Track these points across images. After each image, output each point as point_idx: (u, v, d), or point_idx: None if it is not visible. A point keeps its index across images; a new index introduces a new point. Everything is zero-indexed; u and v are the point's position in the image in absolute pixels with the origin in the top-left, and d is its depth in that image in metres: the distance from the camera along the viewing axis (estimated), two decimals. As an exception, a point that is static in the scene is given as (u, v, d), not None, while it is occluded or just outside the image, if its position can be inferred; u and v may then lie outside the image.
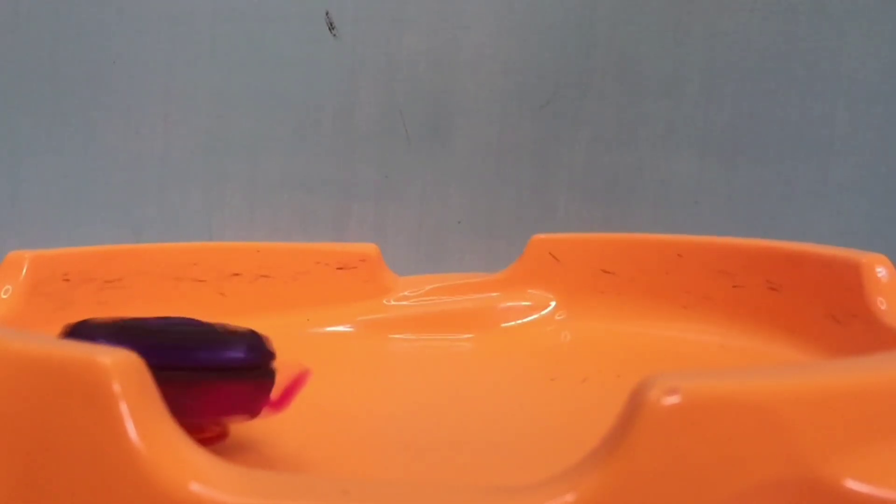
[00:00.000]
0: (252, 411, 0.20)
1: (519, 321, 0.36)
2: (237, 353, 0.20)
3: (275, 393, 0.20)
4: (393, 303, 0.36)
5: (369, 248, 0.36)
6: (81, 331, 0.20)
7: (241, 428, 0.23)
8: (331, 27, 0.46)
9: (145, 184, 0.48)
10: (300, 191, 0.48)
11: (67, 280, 0.29)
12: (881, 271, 0.28)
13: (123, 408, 0.12)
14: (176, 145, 0.48)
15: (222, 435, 0.21)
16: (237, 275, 0.34)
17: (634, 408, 0.12)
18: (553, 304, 0.36)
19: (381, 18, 0.47)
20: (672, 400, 0.12)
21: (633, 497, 0.12)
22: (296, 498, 0.12)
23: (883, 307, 0.27)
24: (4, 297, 0.27)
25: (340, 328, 0.35)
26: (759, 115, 0.46)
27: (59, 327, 0.20)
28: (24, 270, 0.28)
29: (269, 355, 0.20)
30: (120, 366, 0.12)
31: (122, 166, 0.48)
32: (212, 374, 0.19)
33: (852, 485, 0.13)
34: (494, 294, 0.37)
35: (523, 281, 0.37)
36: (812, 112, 0.46)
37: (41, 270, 0.29)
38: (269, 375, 0.20)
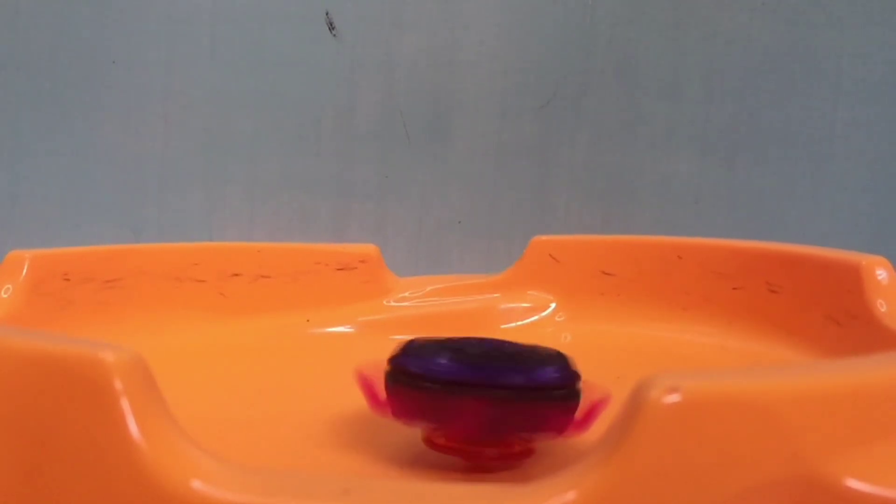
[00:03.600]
0: (559, 430, 0.20)
1: (519, 322, 0.36)
2: (552, 375, 0.20)
3: (579, 413, 0.21)
4: (393, 304, 0.36)
5: (369, 248, 0.36)
6: (411, 349, 0.21)
7: (240, 427, 0.23)
8: (331, 27, 0.46)
9: (145, 184, 0.48)
10: (300, 191, 0.48)
11: (67, 280, 0.29)
12: (881, 273, 0.28)
13: (125, 405, 0.12)
14: (176, 145, 0.48)
15: (529, 452, 0.21)
16: (237, 275, 0.34)
17: (635, 407, 0.12)
18: (553, 305, 0.36)
19: (381, 18, 0.47)
20: (673, 399, 0.12)
21: (635, 495, 0.12)
22: (297, 496, 0.12)
23: (883, 309, 0.27)
24: (5, 296, 0.27)
25: (340, 329, 0.35)
26: (759, 115, 0.46)
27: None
28: (25, 270, 0.28)
29: (577, 376, 0.21)
30: (122, 363, 0.12)
31: (122, 166, 0.48)
32: (528, 393, 0.20)
33: (853, 484, 0.13)
34: (494, 295, 0.37)
35: (523, 282, 0.37)
36: (812, 112, 0.46)
37: (41, 270, 0.29)
38: (576, 396, 0.21)
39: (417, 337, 0.22)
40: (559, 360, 0.21)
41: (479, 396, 0.19)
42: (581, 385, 0.21)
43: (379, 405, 0.21)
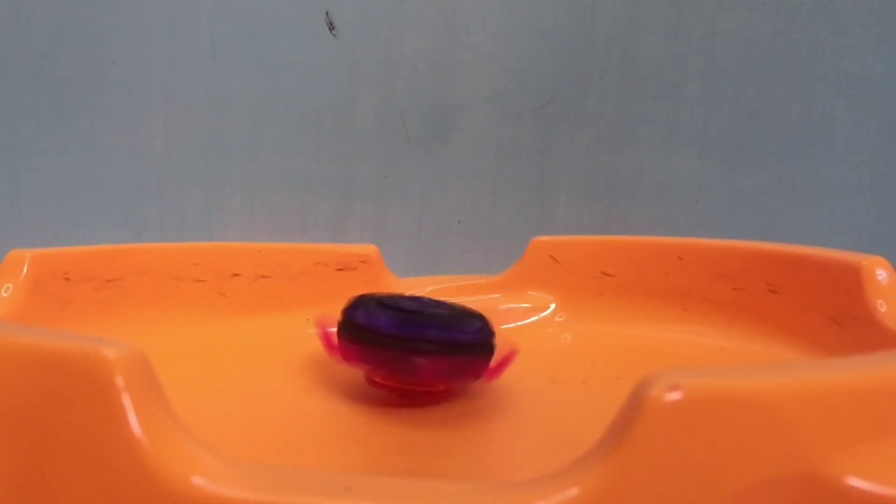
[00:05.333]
0: (476, 376, 0.26)
1: (519, 323, 0.36)
2: (471, 332, 0.25)
3: (493, 362, 0.26)
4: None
5: (369, 249, 0.36)
6: (360, 302, 0.26)
7: (240, 426, 0.23)
8: (331, 27, 0.46)
9: (145, 184, 0.48)
10: (300, 191, 0.48)
11: (68, 279, 0.29)
12: (881, 274, 0.28)
13: (126, 401, 0.12)
14: (176, 145, 0.48)
15: (451, 391, 0.27)
16: (237, 275, 0.34)
17: (637, 404, 0.12)
18: (553, 305, 0.36)
19: (381, 18, 0.47)
20: (674, 397, 0.12)
21: (636, 492, 0.12)
22: (298, 492, 0.12)
23: (883, 310, 0.27)
24: (5, 295, 0.27)
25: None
26: (759, 115, 0.46)
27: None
28: (25, 269, 0.28)
29: (492, 333, 0.26)
30: (123, 359, 0.12)
31: (122, 166, 0.48)
32: (449, 347, 0.25)
33: (853, 482, 0.13)
34: (495, 296, 0.37)
35: (523, 283, 0.37)
36: (812, 112, 0.46)
37: (42, 269, 0.29)
38: (491, 349, 0.26)
39: (367, 293, 0.27)
40: (479, 320, 0.26)
41: (409, 348, 0.24)
42: (495, 340, 0.26)
43: (332, 349, 0.26)
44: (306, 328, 0.34)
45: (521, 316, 0.36)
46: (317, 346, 0.28)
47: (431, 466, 0.21)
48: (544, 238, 0.37)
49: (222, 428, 0.22)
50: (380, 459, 0.21)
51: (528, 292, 0.37)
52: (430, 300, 0.28)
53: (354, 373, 0.27)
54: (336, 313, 0.27)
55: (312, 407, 0.25)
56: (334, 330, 0.26)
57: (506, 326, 0.36)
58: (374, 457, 0.21)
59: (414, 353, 0.24)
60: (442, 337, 0.24)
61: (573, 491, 0.12)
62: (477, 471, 0.20)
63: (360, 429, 0.24)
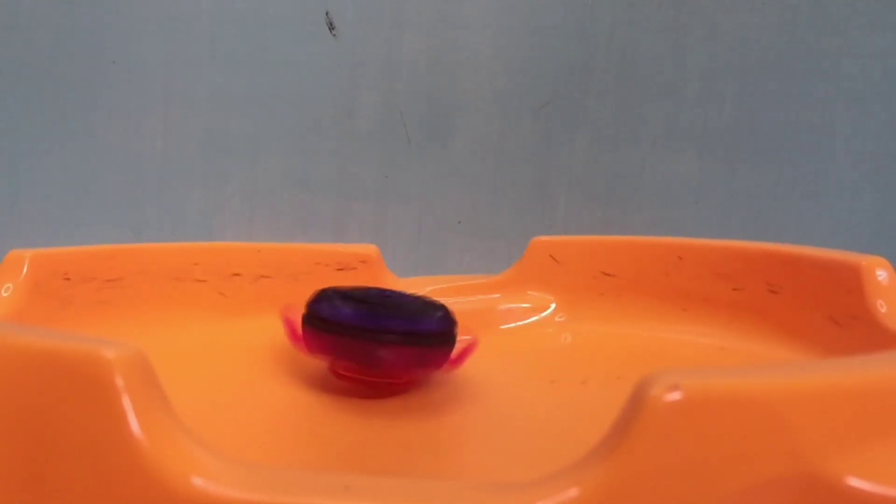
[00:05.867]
0: (438, 366, 0.26)
1: (519, 323, 0.36)
2: (438, 323, 0.26)
3: (455, 352, 0.26)
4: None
5: (369, 249, 0.36)
6: (325, 295, 0.26)
7: (240, 426, 0.23)
8: (331, 27, 0.46)
9: (145, 184, 0.48)
10: (300, 191, 0.48)
11: (68, 279, 0.29)
12: (881, 274, 0.28)
13: (126, 402, 0.12)
14: (176, 145, 0.48)
15: (413, 382, 0.27)
16: (237, 275, 0.34)
17: (637, 404, 0.12)
18: (553, 305, 0.36)
19: (381, 18, 0.47)
20: (674, 397, 0.12)
21: (636, 492, 0.12)
22: (297, 492, 0.12)
23: (883, 310, 0.27)
24: (5, 295, 0.27)
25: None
26: (759, 115, 0.46)
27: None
28: (25, 269, 0.28)
29: (454, 323, 0.26)
30: (123, 360, 0.12)
31: (122, 166, 0.48)
32: (412, 338, 0.25)
33: (853, 482, 0.13)
34: (494, 296, 0.37)
35: (523, 283, 0.37)
36: (812, 112, 0.46)
37: (42, 269, 0.29)
38: (452, 341, 0.26)
39: (331, 286, 0.27)
40: (441, 310, 0.26)
41: (372, 339, 0.25)
42: (457, 330, 0.26)
43: (297, 341, 0.27)
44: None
45: (521, 316, 0.36)
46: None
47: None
48: (544, 238, 0.37)
49: (222, 428, 0.22)
50: (381, 458, 0.21)
51: (528, 292, 0.37)
52: (395, 292, 0.28)
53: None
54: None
55: (313, 406, 0.25)
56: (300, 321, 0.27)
57: (506, 326, 0.36)
58: (375, 454, 0.21)
59: (377, 344, 0.25)
60: (404, 328, 0.25)
61: (573, 491, 0.12)
62: (477, 471, 0.20)
63: (352, 424, 0.24)
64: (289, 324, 0.27)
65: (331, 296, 0.26)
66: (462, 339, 0.27)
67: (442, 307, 0.27)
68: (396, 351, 0.25)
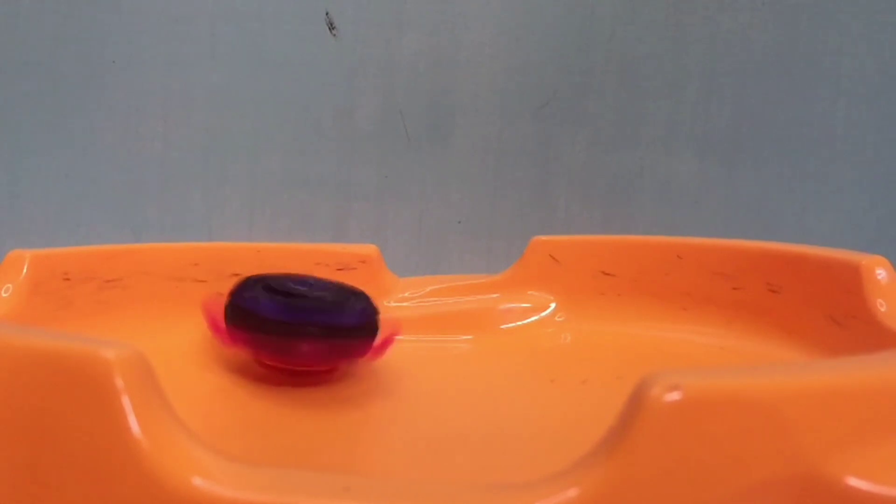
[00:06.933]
0: (360, 355, 0.27)
1: (519, 322, 0.36)
2: (359, 314, 0.26)
3: (377, 341, 0.27)
4: (393, 304, 0.36)
5: (369, 249, 0.36)
6: (247, 284, 0.27)
7: (240, 426, 0.23)
8: (331, 27, 0.46)
9: (145, 184, 0.48)
10: (300, 191, 0.48)
11: (68, 279, 0.29)
12: (881, 273, 0.28)
13: (126, 402, 0.12)
14: (176, 145, 0.48)
15: (335, 370, 0.28)
16: (237, 275, 0.34)
17: (637, 404, 0.12)
18: (553, 305, 0.36)
19: (381, 18, 0.47)
20: (674, 397, 0.12)
21: (636, 492, 0.12)
22: (297, 493, 0.12)
23: (883, 309, 0.27)
24: (5, 295, 0.27)
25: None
26: (759, 115, 0.46)
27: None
28: (25, 269, 0.28)
29: (376, 312, 0.27)
30: (123, 360, 0.12)
31: (122, 166, 0.48)
32: (338, 331, 0.25)
33: (853, 482, 0.13)
34: (494, 295, 0.37)
35: (523, 282, 0.37)
36: (812, 112, 0.46)
37: (41, 269, 0.29)
38: (375, 330, 0.27)
39: (254, 275, 0.28)
40: (363, 301, 0.27)
41: (292, 333, 0.25)
42: (379, 319, 0.27)
43: (218, 332, 0.27)
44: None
45: (521, 316, 0.36)
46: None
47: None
48: (544, 237, 0.37)
49: (221, 428, 0.22)
50: (381, 459, 0.21)
51: (528, 292, 0.37)
52: (318, 281, 0.28)
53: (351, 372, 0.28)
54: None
55: (314, 406, 0.25)
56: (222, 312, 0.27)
57: (506, 326, 0.36)
58: (375, 454, 0.21)
59: (296, 338, 0.25)
60: (324, 321, 0.25)
61: (573, 491, 0.12)
62: (477, 471, 0.20)
63: (370, 431, 0.23)
64: (209, 316, 0.27)
65: (253, 286, 0.26)
66: (385, 325, 0.27)
67: (364, 297, 0.27)
68: (316, 344, 0.25)
